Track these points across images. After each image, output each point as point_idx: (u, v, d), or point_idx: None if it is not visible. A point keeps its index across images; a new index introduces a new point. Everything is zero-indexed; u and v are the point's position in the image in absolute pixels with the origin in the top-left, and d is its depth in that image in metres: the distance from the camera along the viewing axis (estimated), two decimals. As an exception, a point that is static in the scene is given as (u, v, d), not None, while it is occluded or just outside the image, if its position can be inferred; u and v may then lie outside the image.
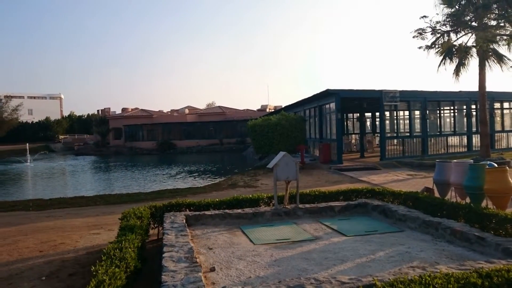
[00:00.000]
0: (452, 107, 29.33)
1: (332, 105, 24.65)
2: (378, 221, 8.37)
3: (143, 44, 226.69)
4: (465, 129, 29.04)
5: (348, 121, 39.94)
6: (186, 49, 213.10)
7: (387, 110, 30.88)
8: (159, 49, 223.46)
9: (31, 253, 7.98)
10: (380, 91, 24.61)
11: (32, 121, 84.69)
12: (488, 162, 10.98)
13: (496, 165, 10.61)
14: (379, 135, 28.80)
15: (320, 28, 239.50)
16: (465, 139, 28.78)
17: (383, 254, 6.18)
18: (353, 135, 38.15)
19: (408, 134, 28.15)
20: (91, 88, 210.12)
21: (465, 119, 29.71)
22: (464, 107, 28.99)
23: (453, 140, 28.39)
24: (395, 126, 28.93)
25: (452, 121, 30.75)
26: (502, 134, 31.53)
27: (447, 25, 20.43)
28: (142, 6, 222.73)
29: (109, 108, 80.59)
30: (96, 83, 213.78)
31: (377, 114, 33.17)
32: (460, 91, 27.88)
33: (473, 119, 29.08)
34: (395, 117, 30.42)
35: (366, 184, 15.30)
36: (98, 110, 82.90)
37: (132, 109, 73.39)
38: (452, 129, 30.18)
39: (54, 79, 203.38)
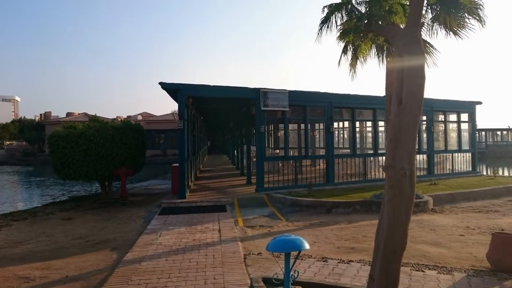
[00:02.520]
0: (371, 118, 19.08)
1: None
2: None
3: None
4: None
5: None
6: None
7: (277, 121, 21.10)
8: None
9: None
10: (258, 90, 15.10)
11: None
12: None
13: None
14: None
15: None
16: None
17: None
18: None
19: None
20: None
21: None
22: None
23: (356, 162, 18.07)
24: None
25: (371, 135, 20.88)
26: (446, 155, 21.39)
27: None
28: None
29: (50, 112, 70.59)
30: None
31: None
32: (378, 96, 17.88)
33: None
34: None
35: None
36: (40, 114, 72.93)
37: (79, 114, 62.92)
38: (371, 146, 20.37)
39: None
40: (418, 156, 20.37)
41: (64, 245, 8.84)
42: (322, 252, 7.46)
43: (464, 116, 21.99)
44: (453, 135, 22.67)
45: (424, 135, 19.84)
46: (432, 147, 20.00)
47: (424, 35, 5.77)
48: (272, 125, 29.85)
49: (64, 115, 66.02)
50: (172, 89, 14.44)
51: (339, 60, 6.82)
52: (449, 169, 20.97)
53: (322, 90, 17.30)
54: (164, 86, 13.99)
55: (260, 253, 7.45)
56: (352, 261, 6.91)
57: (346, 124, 26.08)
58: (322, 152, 21.52)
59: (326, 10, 6.53)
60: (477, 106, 22.11)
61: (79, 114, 62.47)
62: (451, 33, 5.76)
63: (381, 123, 19.19)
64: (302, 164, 18.48)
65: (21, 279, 6.44)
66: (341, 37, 6.50)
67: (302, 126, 19.53)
